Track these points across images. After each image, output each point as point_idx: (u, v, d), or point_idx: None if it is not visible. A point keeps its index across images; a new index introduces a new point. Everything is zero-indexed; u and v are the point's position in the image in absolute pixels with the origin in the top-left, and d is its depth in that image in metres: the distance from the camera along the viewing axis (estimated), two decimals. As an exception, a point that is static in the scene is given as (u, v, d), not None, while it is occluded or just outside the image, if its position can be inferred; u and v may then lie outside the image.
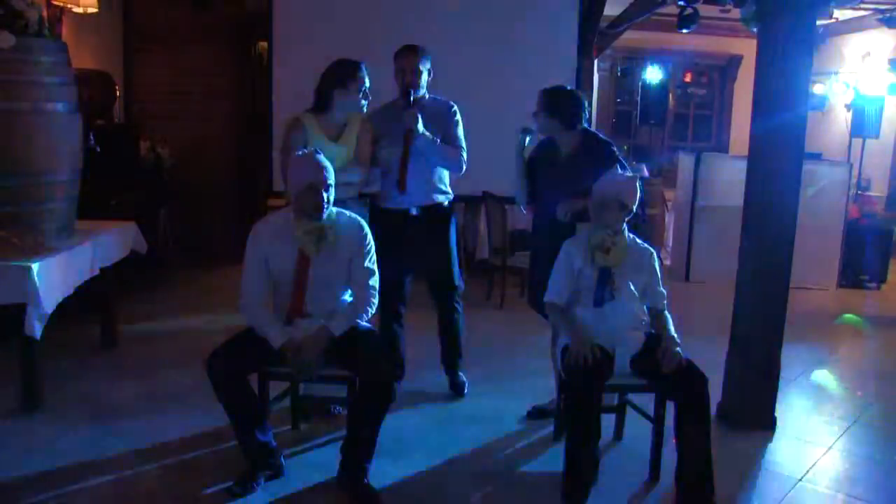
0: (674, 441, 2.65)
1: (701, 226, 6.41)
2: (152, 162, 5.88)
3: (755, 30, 3.48)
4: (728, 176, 6.07)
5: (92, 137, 4.80)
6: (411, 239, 3.46)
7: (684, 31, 6.49)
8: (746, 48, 7.94)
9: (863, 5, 7.13)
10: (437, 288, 3.62)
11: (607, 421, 3.09)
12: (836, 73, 8.39)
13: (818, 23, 3.47)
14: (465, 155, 3.43)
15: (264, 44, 6.05)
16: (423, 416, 3.42)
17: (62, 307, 3.28)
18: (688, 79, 9.99)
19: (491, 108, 5.17)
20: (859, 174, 7.52)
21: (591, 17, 6.17)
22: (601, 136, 3.27)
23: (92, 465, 2.82)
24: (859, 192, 7.44)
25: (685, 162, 6.75)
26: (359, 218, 2.86)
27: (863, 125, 7.69)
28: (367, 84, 3.21)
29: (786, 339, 3.42)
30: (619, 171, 2.90)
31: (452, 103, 3.46)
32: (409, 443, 3.09)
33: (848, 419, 3.58)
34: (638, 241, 2.90)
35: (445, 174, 3.53)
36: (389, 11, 5.47)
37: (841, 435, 3.40)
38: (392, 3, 5.54)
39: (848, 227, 6.44)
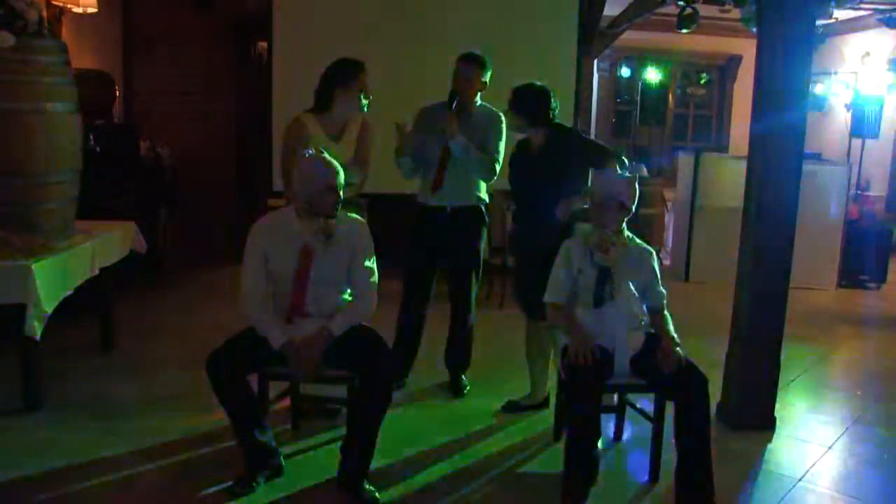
0: (673, 441, 2.64)
1: (701, 226, 6.41)
2: (152, 162, 5.88)
3: (755, 30, 3.49)
4: (728, 176, 6.07)
5: (92, 137, 4.81)
6: (442, 237, 3.52)
7: (684, 31, 6.49)
8: (746, 48, 7.95)
9: (862, 5, 7.13)
10: (457, 287, 3.64)
11: (607, 421, 3.09)
12: (835, 73, 8.39)
13: (818, 23, 3.47)
14: (497, 166, 3.48)
15: (264, 44, 6.05)
16: (423, 415, 3.42)
17: (62, 307, 3.28)
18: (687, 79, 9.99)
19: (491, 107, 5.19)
20: (859, 174, 7.52)
21: (591, 18, 6.17)
22: (568, 126, 3.31)
23: (92, 465, 2.82)
24: (859, 192, 7.44)
25: (685, 162, 6.75)
26: (359, 218, 2.86)
27: (862, 125, 7.70)
28: (367, 95, 3.25)
29: (786, 339, 3.42)
30: (607, 159, 3.00)
31: (501, 115, 3.50)
32: (409, 443, 3.09)
33: (848, 419, 3.58)
34: (637, 240, 2.90)
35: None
36: (389, 11, 5.48)
37: (841, 435, 3.40)
38: (392, 4, 5.54)
39: (848, 228, 6.44)
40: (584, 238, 2.86)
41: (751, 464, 3.08)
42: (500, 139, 3.49)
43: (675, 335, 2.73)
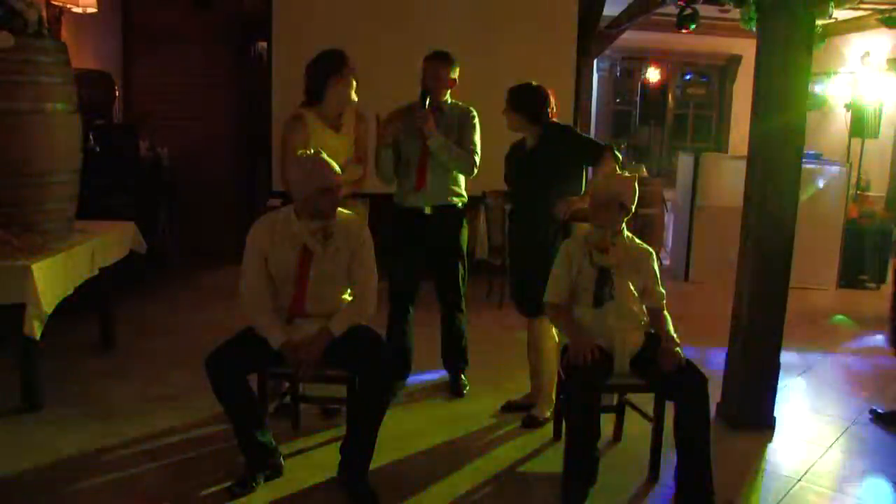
0: (673, 441, 2.64)
1: (701, 226, 6.41)
2: (152, 162, 5.88)
3: (755, 30, 3.48)
4: (728, 176, 6.07)
5: (91, 137, 4.81)
6: (424, 238, 3.52)
7: (684, 31, 6.49)
8: (746, 48, 7.94)
9: (862, 5, 7.13)
10: (444, 287, 3.63)
11: (607, 421, 3.09)
12: (835, 73, 8.38)
13: (818, 23, 3.47)
14: (476, 159, 3.49)
15: (264, 44, 6.05)
16: (423, 415, 3.42)
17: (62, 307, 3.28)
18: (687, 79, 9.99)
19: (490, 107, 5.18)
20: (858, 174, 7.52)
21: (590, 17, 6.17)
22: (562, 124, 3.34)
23: (92, 465, 2.83)
24: (859, 192, 7.44)
25: (685, 162, 6.75)
26: (359, 217, 2.86)
27: (862, 125, 7.69)
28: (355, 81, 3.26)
29: (786, 339, 3.42)
30: (601, 153, 3.06)
31: (472, 109, 3.53)
32: (409, 443, 3.09)
33: (847, 419, 3.58)
34: (637, 240, 2.90)
35: (461, 177, 3.58)
36: (389, 11, 5.48)
37: (841, 435, 3.40)
38: (392, 4, 5.54)
39: (847, 228, 6.44)
40: (584, 238, 2.86)
41: (751, 464, 3.08)
42: (475, 133, 3.50)
43: (675, 335, 2.74)
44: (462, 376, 3.71)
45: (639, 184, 2.88)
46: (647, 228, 6.80)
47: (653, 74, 9.11)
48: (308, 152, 2.71)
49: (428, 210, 3.51)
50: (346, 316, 2.71)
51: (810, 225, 5.20)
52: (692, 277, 6.47)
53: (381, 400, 2.61)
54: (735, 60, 9.36)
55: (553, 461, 2.91)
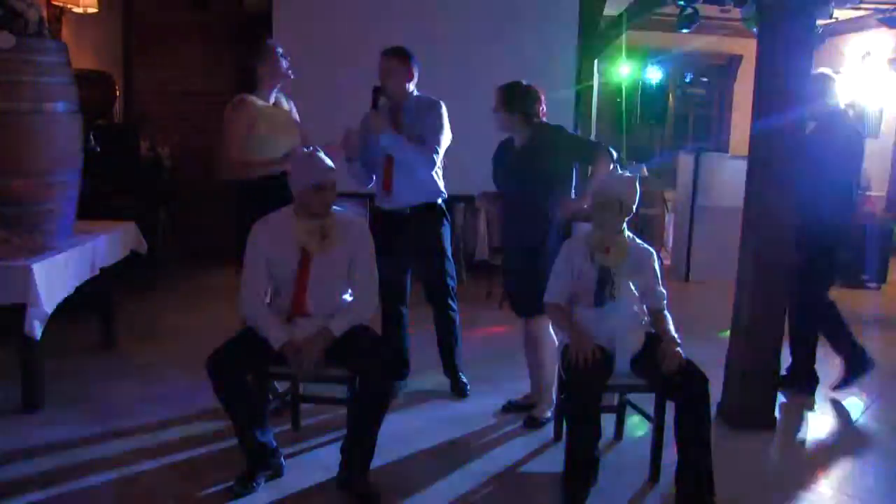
0: (674, 441, 2.64)
1: (701, 226, 6.41)
2: (152, 162, 5.88)
3: (755, 30, 3.48)
4: (728, 176, 6.07)
5: (92, 137, 4.81)
6: (404, 238, 3.49)
7: (684, 30, 6.48)
8: (746, 48, 7.94)
9: (863, 5, 7.13)
10: (430, 288, 3.62)
11: (607, 421, 3.09)
12: (836, 73, 8.39)
13: (818, 23, 3.46)
14: (438, 148, 3.39)
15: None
16: (424, 416, 3.42)
17: (62, 307, 3.28)
18: (688, 79, 9.98)
19: (490, 107, 5.17)
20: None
21: (591, 17, 6.16)
22: (552, 124, 3.32)
23: (92, 464, 2.83)
24: (859, 191, 7.44)
25: (685, 162, 6.75)
26: (359, 217, 2.86)
27: (863, 125, 7.69)
28: (285, 60, 3.35)
29: (786, 339, 3.42)
30: (596, 152, 3.07)
31: (438, 100, 3.46)
32: (410, 443, 3.09)
33: (848, 419, 3.58)
34: (637, 240, 2.90)
35: (435, 175, 3.51)
36: (389, 11, 5.48)
37: (841, 435, 3.40)
38: (392, 3, 5.54)
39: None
40: (585, 238, 2.86)
41: (751, 464, 3.08)
42: (436, 122, 3.41)
43: (676, 335, 2.73)
44: (461, 375, 3.70)
45: (639, 184, 2.87)
46: (648, 228, 6.80)
47: (653, 74, 9.09)
48: (306, 149, 2.72)
49: (406, 211, 3.46)
50: (347, 316, 2.71)
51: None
52: (692, 277, 6.47)
53: (382, 400, 2.61)
54: (736, 60, 9.36)
55: (553, 461, 2.91)
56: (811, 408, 3.72)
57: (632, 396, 3.10)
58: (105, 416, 3.24)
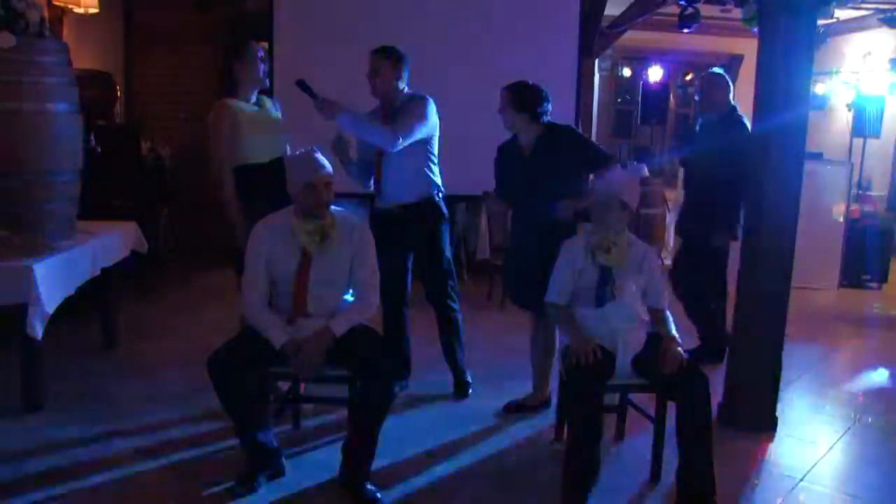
0: (675, 441, 2.64)
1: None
2: (153, 162, 5.89)
3: (756, 29, 3.48)
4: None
5: (93, 138, 4.82)
6: (402, 237, 3.48)
7: (685, 30, 6.48)
8: (747, 48, 7.94)
9: (864, 5, 7.13)
10: (429, 287, 3.61)
11: (608, 421, 3.09)
12: (836, 73, 8.38)
13: (819, 22, 3.46)
14: (402, 132, 3.31)
15: (264, 44, 6.05)
16: (424, 416, 3.42)
17: (63, 307, 3.28)
18: (688, 78, 9.98)
19: (491, 107, 5.17)
20: (860, 174, 7.51)
21: (591, 17, 6.16)
22: (559, 124, 3.32)
23: (92, 464, 2.83)
24: (860, 191, 7.44)
25: (686, 162, 6.73)
26: (359, 217, 2.86)
27: (864, 125, 7.69)
28: (263, 59, 3.36)
29: (787, 339, 3.42)
30: (605, 164, 3.05)
31: (424, 95, 3.44)
32: (410, 443, 3.09)
33: (848, 419, 3.58)
34: (639, 240, 2.90)
35: (429, 171, 3.50)
36: (389, 11, 5.47)
37: (841, 435, 3.40)
38: (392, 4, 5.54)
39: (849, 227, 6.43)
40: (585, 238, 2.86)
41: (752, 464, 3.08)
42: (413, 109, 3.37)
43: (677, 335, 2.73)
44: (465, 374, 3.68)
45: (640, 184, 2.87)
46: (648, 228, 6.80)
47: (653, 74, 9.11)
48: (302, 149, 2.72)
49: (401, 209, 3.45)
50: (348, 316, 2.71)
51: (812, 225, 5.19)
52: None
53: (383, 400, 2.61)
54: (737, 60, 9.36)
55: (553, 461, 2.91)
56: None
57: (632, 396, 3.10)
58: (105, 416, 3.24)
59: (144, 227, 4.28)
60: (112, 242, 3.86)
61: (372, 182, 3.53)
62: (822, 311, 5.63)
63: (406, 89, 3.46)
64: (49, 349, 3.33)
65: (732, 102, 4.16)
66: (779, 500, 2.78)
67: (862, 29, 8.00)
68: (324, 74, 5.17)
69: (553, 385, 3.38)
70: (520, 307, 3.45)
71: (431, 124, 3.44)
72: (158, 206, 5.83)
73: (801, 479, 2.94)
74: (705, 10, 6.51)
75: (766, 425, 3.36)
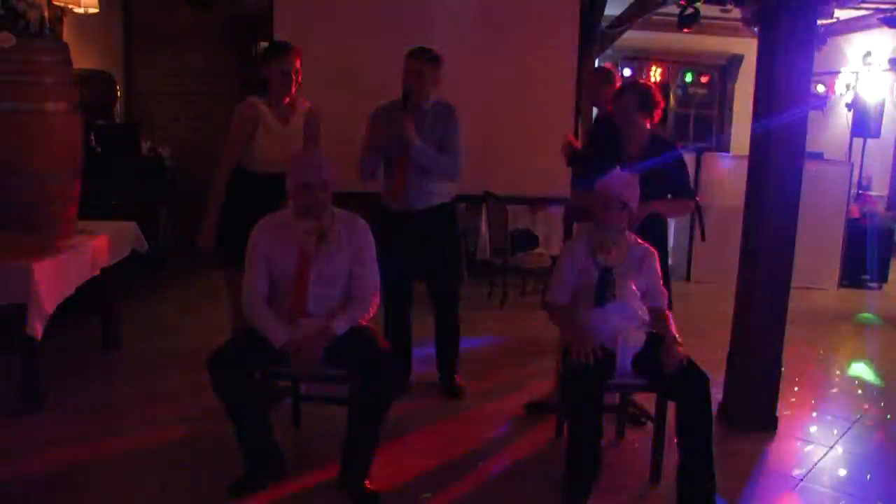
0: (675, 441, 2.64)
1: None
2: (153, 162, 5.89)
3: (756, 29, 3.48)
4: (729, 176, 6.07)
5: (93, 137, 4.82)
6: (413, 239, 3.46)
7: (685, 30, 6.49)
8: (748, 48, 7.94)
9: (864, 5, 7.13)
10: (436, 288, 3.61)
11: (608, 421, 3.09)
12: (837, 73, 8.38)
13: (819, 22, 3.46)
14: (458, 161, 3.40)
15: (264, 44, 6.05)
16: (424, 415, 3.41)
17: (63, 307, 3.28)
18: (688, 79, 9.98)
19: (491, 107, 5.17)
20: (860, 174, 7.51)
21: (591, 17, 6.16)
22: (669, 140, 3.30)
23: (93, 464, 2.83)
24: (860, 191, 7.44)
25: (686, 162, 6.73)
26: (359, 217, 2.86)
27: (864, 125, 7.69)
28: (298, 67, 3.22)
29: (787, 338, 3.42)
30: (684, 198, 3.07)
31: (454, 109, 3.46)
32: (410, 442, 3.09)
33: (849, 419, 3.58)
34: (639, 240, 2.90)
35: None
36: (389, 12, 5.47)
37: (842, 435, 3.40)
38: (392, 4, 5.54)
39: (849, 227, 6.44)
40: (587, 238, 2.86)
41: (752, 464, 3.08)
42: (457, 134, 3.40)
43: (677, 335, 2.73)
44: (455, 377, 3.68)
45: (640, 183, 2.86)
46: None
47: (654, 74, 9.11)
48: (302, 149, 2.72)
49: (415, 212, 3.43)
50: (348, 315, 2.71)
51: (811, 225, 5.19)
52: (694, 277, 6.46)
53: (383, 400, 2.61)
54: (736, 60, 9.36)
55: (553, 461, 2.91)
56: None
57: (632, 396, 3.10)
58: (105, 416, 3.24)
59: (144, 227, 4.28)
60: (112, 242, 3.85)
61: (385, 180, 3.47)
62: (822, 311, 5.63)
63: None
64: (49, 349, 3.33)
65: None
66: (779, 500, 2.78)
67: (862, 29, 8.00)
68: (324, 74, 5.19)
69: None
70: None
71: None
72: (158, 206, 5.82)
73: (802, 479, 2.94)
74: (705, 10, 6.52)
75: (767, 425, 3.36)
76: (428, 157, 3.32)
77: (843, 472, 3.06)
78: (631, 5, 6.82)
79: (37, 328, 3.08)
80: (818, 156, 6.52)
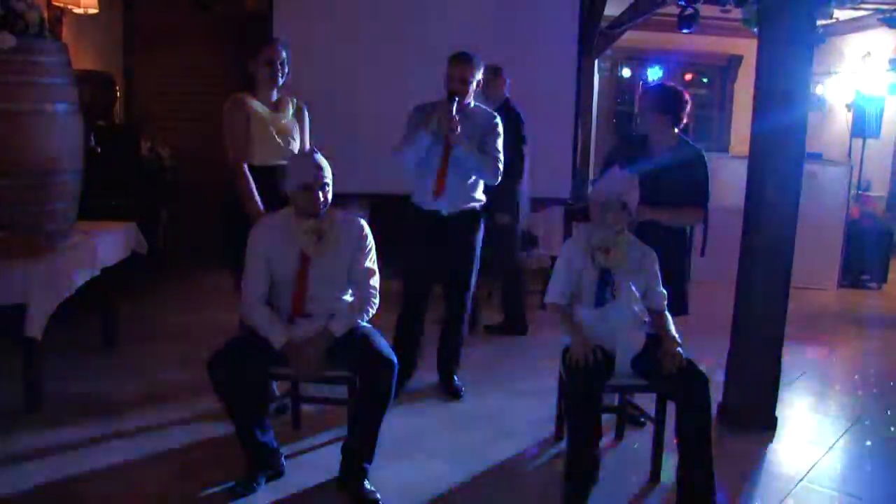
0: (674, 441, 2.64)
1: (701, 225, 6.39)
2: (153, 162, 5.88)
3: (755, 30, 3.48)
4: (728, 176, 6.06)
5: (93, 138, 4.81)
6: (440, 240, 3.48)
7: (685, 31, 6.48)
8: (747, 48, 7.94)
9: (863, 5, 7.13)
10: (453, 288, 3.62)
11: (607, 421, 3.09)
12: (836, 73, 8.38)
13: (819, 23, 3.47)
14: (500, 166, 3.45)
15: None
16: (424, 416, 3.41)
17: (63, 307, 3.28)
18: (688, 78, 9.98)
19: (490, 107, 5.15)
20: (860, 174, 7.51)
21: (591, 18, 6.16)
22: (697, 146, 3.29)
23: (92, 464, 2.82)
24: (860, 192, 7.44)
25: (686, 162, 6.73)
26: (359, 217, 2.86)
27: (863, 125, 7.69)
28: (283, 58, 3.26)
29: (787, 339, 3.42)
30: (697, 204, 3.10)
31: (496, 114, 3.49)
32: (410, 443, 3.09)
33: (848, 419, 3.58)
34: (639, 241, 2.90)
35: (480, 182, 3.53)
36: (389, 12, 5.47)
37: (841, 435, 3.40)
38: (392, 4, 5.54)
39: (848, 228, 6.44)
40: (585, 238, 2.86)
41: (752, 464, 3.08)
42: (499, 139, 3.46)
43: (676, 335, 2.73)
44: (455, 377, 3.69)
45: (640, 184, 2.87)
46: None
47: (653, 74, 9.10)
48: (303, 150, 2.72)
49: (445, 213, 3.45)
50: (348, 316, 2.71)
51: (811, 225, 5.20)
52: (693, 277, 6.44)
53: (382, 401, 2.61)
54: (736, 60, 9.36)
55: (553, 461, 2.91)
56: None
57: (632, 396, 3.10)
58: (105, 416, 3.24)
59: (144, 227, 4.28)
60: (112, 242, 3.85)
61: (417, 179, 3.47)
62: (822, 311, 5.64)
63: None
64: (49, 349, 3.33)
65: (507, 95, 4.49)
66: (779, 501, 2.78)
67: (862, 29, 7.99)
68: (323, 74, 5.20)
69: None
70: None
71: None
72: (158, 206, 5.82)
73: (802, 479, 2.94)
74: (705, 10, 6.52)
75: (766, 425, 3.37)
76: (471, 158, 3.35)
77: (842, 472, 3.06)
78: (631, 5, 6.82)
79: (36, 328, 3.08)
80: (818, 156, 6.52)
